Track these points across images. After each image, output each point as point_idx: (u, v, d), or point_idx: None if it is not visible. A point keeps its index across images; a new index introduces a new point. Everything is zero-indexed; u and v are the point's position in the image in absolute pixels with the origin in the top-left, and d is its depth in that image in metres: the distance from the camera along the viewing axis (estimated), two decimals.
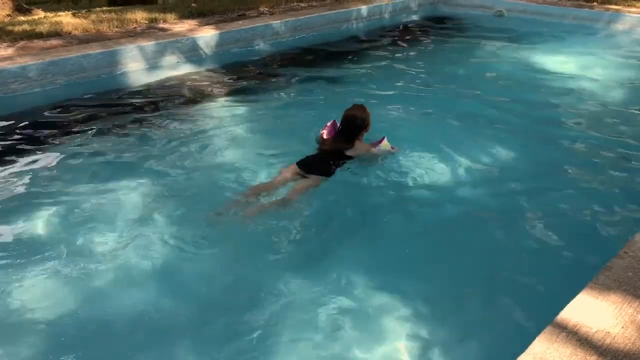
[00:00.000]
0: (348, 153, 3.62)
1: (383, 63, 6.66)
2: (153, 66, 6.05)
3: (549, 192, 3.65)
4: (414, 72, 6.34)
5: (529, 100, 5.33)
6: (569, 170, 3.93)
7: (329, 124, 3.97)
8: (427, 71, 6.38)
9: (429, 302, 2.65)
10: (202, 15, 7.89)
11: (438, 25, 8.90)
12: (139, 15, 7.38)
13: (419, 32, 8.40)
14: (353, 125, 3.63)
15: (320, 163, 3.54)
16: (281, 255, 2.99)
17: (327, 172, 3.51)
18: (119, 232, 3.12)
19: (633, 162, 4.03)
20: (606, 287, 2.12)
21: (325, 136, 3.86)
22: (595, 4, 8.75)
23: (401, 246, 3.12)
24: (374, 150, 3.72)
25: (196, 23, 7.37)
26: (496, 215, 3.43)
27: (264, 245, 3.06)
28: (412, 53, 7.25)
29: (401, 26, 8.76)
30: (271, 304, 2.63)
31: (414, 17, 9.30)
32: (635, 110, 5.10)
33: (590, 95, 5.47)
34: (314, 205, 3.39)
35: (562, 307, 2.04)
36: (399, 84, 5.85)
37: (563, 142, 4.39)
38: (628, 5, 8.49)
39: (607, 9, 8.36)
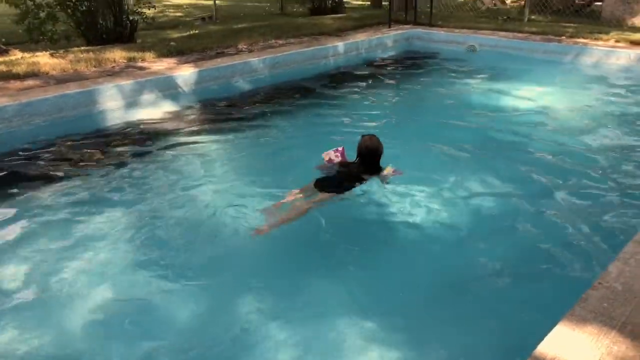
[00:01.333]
0: (365, 177, 3.90)
1: (359, 97, 6.78)
2: (132, 105, 6.07)
3: (523, 222, 3.70)
4: (389, 106, 6.46)
5: (501, 131, 5.45)
6: (539, 199, 4.00)
7: (340, 149, 4.12)
8: (402, 104, 6.53)
9: (408, 331, 2.67)
10: (181, 53, 7.98)
11: (412, 60, 9.12)
12: (117, 55, 7.43)
13: (395, 68, 8.59)
14: (376, 156, 3.90)
15: (340, 186, 3.85)
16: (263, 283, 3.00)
17: (341, 191, 3.81)
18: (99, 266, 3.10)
19: (602, 189, 4.12)
20: (582, 319, 2.15)
21: (339, 159, 4.06)
22: (563, 38, 9.05)
23: (375, 278, 3.16)
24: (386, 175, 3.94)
25: (175, 61, 7.45)
26: (472, 245, 3.48)
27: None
28: (387, 88, 7.40)
29: (377, 62, 8.94)
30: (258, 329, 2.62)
31: (390, 53, 9.50)
32: (604, 139, 5.22)
33: (559, 125, 5.60)
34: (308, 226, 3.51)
35: (540, 339, 2.06)
36: (377, 117, 5.94)
37: (536, 171, 4.47)
38: (594, 39, 8.80)
39: (575, 43, 8.65)
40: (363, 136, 3.95)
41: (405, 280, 3.14)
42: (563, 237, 3.48)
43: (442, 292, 3.04)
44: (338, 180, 3.90)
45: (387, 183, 3.95)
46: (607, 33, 9.09)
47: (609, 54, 8.00)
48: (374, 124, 5.73)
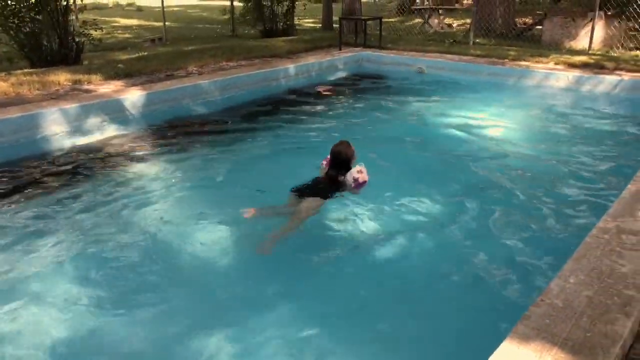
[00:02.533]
0: (340, 180, 4.08)
1: (311, 119, 6.82)
2: (77, 129, 5.90)
3: (465, 239, 3.80)
4: (340, 126, 6.52)
5: (447, 148, 5.62)
6: (480, 216, 4.11)
7: (328, 157, 4.23)
8: (352, 125, 6.61)
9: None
10: (129, 76, 7.85)
11: (363, 82, 9.27)
12: (62, 77, 7.24)
13: (345, 89, 8.70)
14: (339, 158, 4.09)
15: (314, 188, 4.02)
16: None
17: (323, 196, 3.96)
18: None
19: (542, 206, 4.26)
20: (526, 337, 2.20)
21: (324, 166, 4.26)
22: (506, 61, 9.41)
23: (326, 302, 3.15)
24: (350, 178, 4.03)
25: (123, 84, 7.31)
26: (426, 264, 3.55)
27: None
28: (338, 109, 7.47)
29: (328, 84, 9.04)
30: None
31: (341, 75, 9.64)
32: (544, 156, 5.43)
33: (503, 144, 5.79)
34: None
35: (486, 358, 2.09)
36: (329, 138, 5.97)
37: (479, 188, 4.61)
38: (536, 62, 9.19)
39: (518, 65, 9.01)
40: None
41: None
42: (506, 254, 3.59)
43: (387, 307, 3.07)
44: (313, 184, 4.09)
45: (357, 193, 4.08)
46: (547, 56, 9.51)
47: (548, 76, 8.35)
48: (325, 144, 5.76)
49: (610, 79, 7.84)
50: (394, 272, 3.46)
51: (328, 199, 3.96)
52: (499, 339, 2.18)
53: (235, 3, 14.89)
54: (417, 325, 2.95)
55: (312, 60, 9.55)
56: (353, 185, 3.97)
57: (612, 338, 2.15)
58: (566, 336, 2.19)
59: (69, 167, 5.03)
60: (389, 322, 2.98)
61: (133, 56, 9.65)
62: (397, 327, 2.94)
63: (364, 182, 3.97)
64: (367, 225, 3.91)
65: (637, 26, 12.23)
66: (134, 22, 18.84)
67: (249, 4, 13.77)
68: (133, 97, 6.54)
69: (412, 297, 3.21)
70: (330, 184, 4.04)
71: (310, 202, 3.87)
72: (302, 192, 3.97)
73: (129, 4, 23.41)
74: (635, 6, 11.03)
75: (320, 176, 4.16)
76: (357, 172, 3.96)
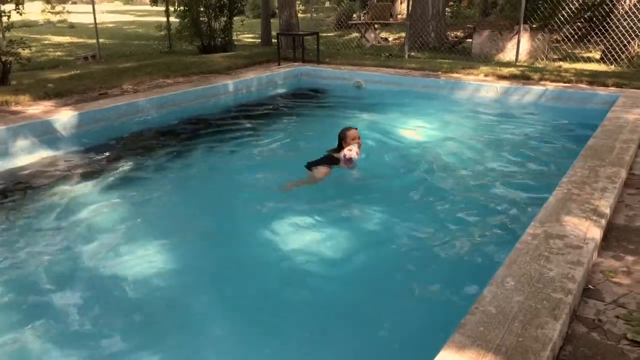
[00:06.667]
0: (335, 155, 5.01)
1: (250, 135, 6.78)
2: (3, 153, 5.61)
3: (401, 250, 3.89)
4: (280, 141, 6.52)
5: (384, 160, 5.71)
6: (415, 225, 4.21)
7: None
8: (293, 139, 6.64)
9: None
10: (60, 95, 7.58)
11: (302, 96, 9.34)
12: None
13: (285, 104, 8.73)
14: (339, 138, 5.03)
15: (320, 161, 5.01)
16: None
17: (328, 164, 4.95)
18: None
19: (474, 213, 4.41)
20: (462, 345, 2.25)
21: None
22: (439, 73, 9.73)
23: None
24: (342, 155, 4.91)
25: (53, 104, 7.05)
26: (364, 273, 3.58)
27: None
28: (278, 124, 7.47)
29: (268, 99, 9.05)
30: None
31: (280, 90, 9.66)
32: (476, 165, 5.62)
33: (438, 153, 5.94)
34: None
35: None
36: (269, 153, 5.99)
37: (415, 197, 4.72)
38: (467, 74, 9.55)
39: (450, 77, 9.33)
40: None
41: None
42: (442, 263, 3.67)
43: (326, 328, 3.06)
44: (321, 158, 5.04)
45: (352, 168, 4.97)
46: (477, 68, 9.90)
47: (479, 87, 8.69)
48: (266, 160, 5.76)
49: (536, 89, 8.23)
50: (328, 287, 3.45)
51: (331, 167, 4.91)
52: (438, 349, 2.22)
53: (172, 19, 14.68)
54: (355, 341, 2.95)
55: (252, 75, 9.53)
56: (343, 160, 4.82)
57: (542, 341, 2.23)
58: (499, 342, 2.25)
59: None
60: (326, 339, 2.98)
61: (65, 75, 9.32)
62: (334, 343, 2.93)
63: (350, 158, 4.80)
64: (295, 240, 3.94)
65: (559, 38, 12.98)
66: (66, 39, 18.23)
67: (186, 20, 13.61)
68: (64, 117, 6.31)
69: (349, 312, 3.21)
70: (331, 158, 4.99)
71: (319, 169, 4.86)
72: (313, 164, 4.95)
73: (61, 21, 22.60)
74: (557, 19, 11.70)
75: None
76: (348, 150, 4.80)
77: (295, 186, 4.79)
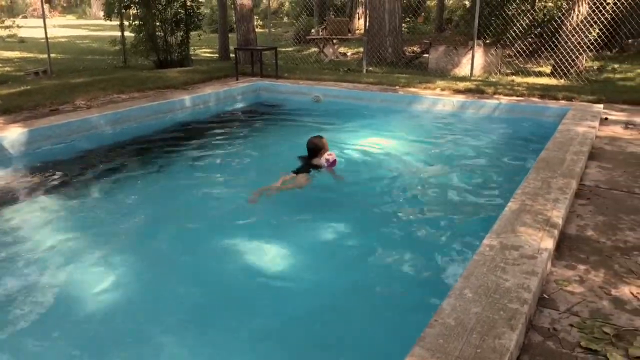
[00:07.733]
0: (314, 163, 5.28)
1: (207, 151, 6.69)
2: None
3: (358, 262, 3.89)
4: (237, 157, 6.46)
5: (343, 174, 5.71)
6: (372, 238, 4.22)
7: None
8: (250, 154, 6.59)
9: None
10: (8, 112, 7.30)
11: (260, 111, 9.30)
12: None
13: (243, 119, 8.67)
14: (309, 148, 5.35)
15: (301, 169, 5.23)
16: None
17: (306, 172, 5.20)
18: None
19: (432, 226, 4.45)
20: (422, 358, 2.23)
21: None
22: (397, 87, 9.86)
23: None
24: (319, 161, 5.21)
25: (1, 121, 6.77)
26: (328, 286, 3.54)
27: None
28: (235, 139, 7.40)
29: (226, 114, 8.96)
30: None
31: (239, 105, 9.60)
32: (437, 178, 5.70)
33: (397, 167, 6.02)
34: None
35: None
36: (226, 169, 5.91)
37: (375, 213, 4.72)
38: (424, 88, 9.72)
39: (408, 92, 9.47)
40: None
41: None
42: (402, 275, 3.68)
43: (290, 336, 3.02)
44: (301, 166, 5.27)
45: (331, 172, 5.19)
46: (434, 82, 10.09)
47: (436, 101, 8.84)
48: (222, 177, 5.68)
49: (490, 103, 8.44)
50: (288, 302, 3.40)
51: (310, 173, 5.17)
52: None
53: (127, 33, 14.43)
54: (314, 356, 2.92)
55: (209, 90, 9.43)
56: (326, 165, 5.09)
57: (500, 352, 2.24)
58: (458, 354, 2.25)
59: None
60: (287, 350, 2.93)
61: (13, 91, 9.00)
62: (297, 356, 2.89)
63: (334, 161, 5.10)
64: (253, 253, 3.89)
65: (511, 53, 13.40)
66: (15, 54, 17.67)
67: (141, 34, 13.40)
68: (11, 135, 6.07)
69: (311, 328, 3.18)
70: (308, 165, 5.24)
71: (300, 177, 5.07)
72: (296, 171, 5.15)
73: (10, 36, 21.90)
74: (509, 35, 12.07)
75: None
76: (328, 154, 5.10)
77: (268, 193, 4.91)
